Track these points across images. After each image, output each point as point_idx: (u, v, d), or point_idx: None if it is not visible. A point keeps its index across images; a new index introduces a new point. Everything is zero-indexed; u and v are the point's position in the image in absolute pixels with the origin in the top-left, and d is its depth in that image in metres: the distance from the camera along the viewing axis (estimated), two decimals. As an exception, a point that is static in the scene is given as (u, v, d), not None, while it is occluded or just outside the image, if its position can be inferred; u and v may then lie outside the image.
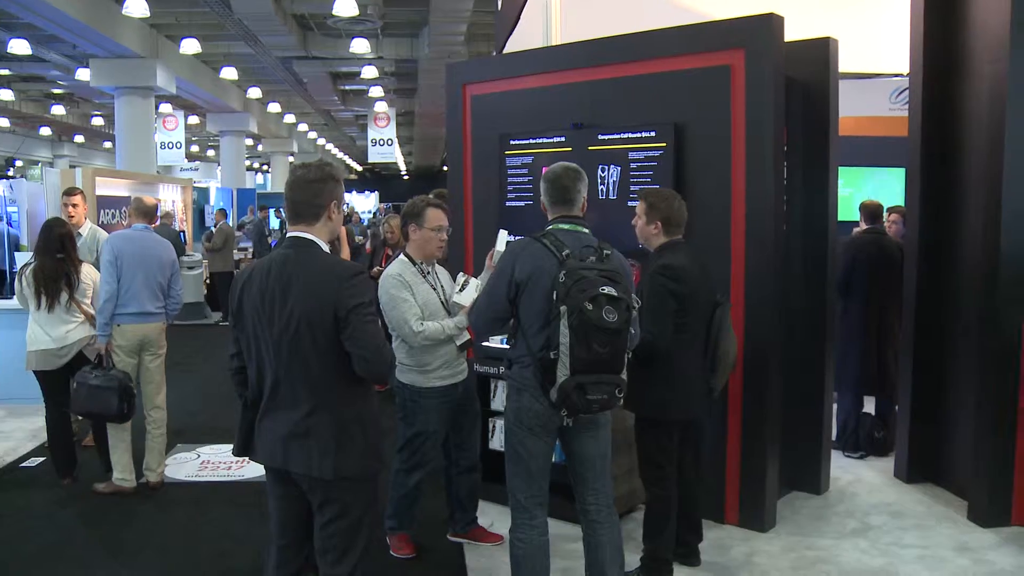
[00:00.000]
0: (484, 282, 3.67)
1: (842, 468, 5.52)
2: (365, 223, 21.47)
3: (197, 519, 4.86)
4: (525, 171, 5.24)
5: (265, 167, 40.67)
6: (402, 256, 4.11)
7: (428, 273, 4.10)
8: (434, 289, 4.06)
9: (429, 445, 4.09)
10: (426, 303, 3.98)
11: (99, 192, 11.42)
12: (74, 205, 6.39)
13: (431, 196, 4.29)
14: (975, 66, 4.92)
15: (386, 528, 4.22)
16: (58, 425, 5.34)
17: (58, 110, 26.61)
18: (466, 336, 4.02)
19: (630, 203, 4.66)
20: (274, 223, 20.17)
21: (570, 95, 5.07)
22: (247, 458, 2.93)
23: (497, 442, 4.68)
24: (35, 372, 5.32)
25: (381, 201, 39.90)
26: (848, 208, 6.91)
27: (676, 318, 3.69)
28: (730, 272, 4.44)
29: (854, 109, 7.45)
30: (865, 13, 6.76)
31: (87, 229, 6.48)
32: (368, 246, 10.61)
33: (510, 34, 8.10)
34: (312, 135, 35.16)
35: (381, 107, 24.14)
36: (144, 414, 5.28)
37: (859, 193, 7.70)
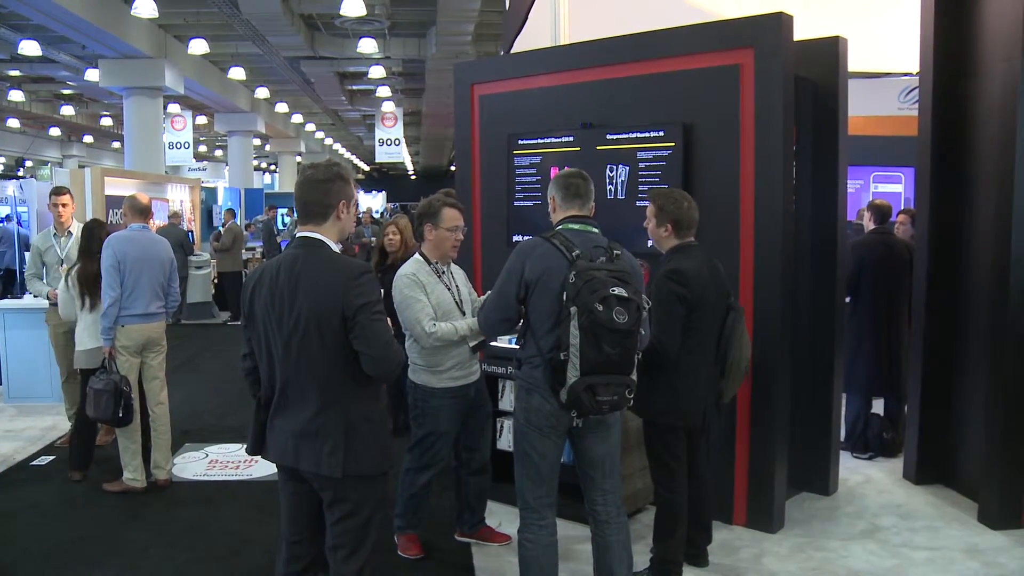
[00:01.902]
0: None
1: (851, 469, 5.50)
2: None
3: (206, 518, 4.87)
4: (533, 171, 5.24)
5: (273, 167, 40.76)
6: (417, 255, 4.11)
7: (443, 273, 4.09)
8: (448, 289, 4.06)
9: (440, 445, 4.09)
10: (440, 303, 3.97)
11: (108, 192, 11.47)
12: (63, 205, 6.35)
13: (444, 195, 4.30)
14: (987, 64, 4.89)
15: (394, 527, 4.22)
16: (85, 421, 5.35)
17: (67, 110, 26.71)
18: (480, 337, 4.01)
19: (639, 203, 4.66)
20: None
21: (578, 95, 5.06)
22: (259, 457, 2.95)
23: (505, 442, 4.68)
24: (80, 370, 5.40)
25: (388, 201, 39.93)
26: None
27: (685, 323, 3.68)
28: (739, 272, 4.42)
29: (863, 108, 7.43)
30: (874, 12, 6.74)
31: (77, 229, 6.30)
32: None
33: (518, 34, 8.10)
34: (319, 135, 35.22)
35: (388, 107, 24.17)
36: (148, 411, 5.30)
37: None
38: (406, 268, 4.04)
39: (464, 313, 4.04)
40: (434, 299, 3.95)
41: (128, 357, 5.13)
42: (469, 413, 4.16)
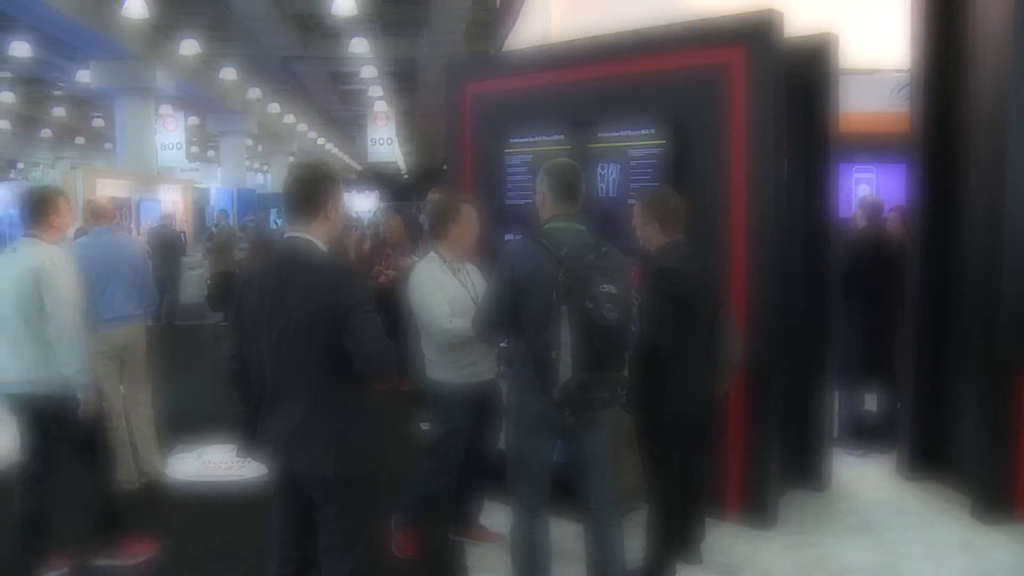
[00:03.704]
0: None
1: (844, 465, 5.50)
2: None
3: (198, 519, 4.86)
4: (524, 169, 5.22)
5: (265, 167, 40.70)
6: (432, 254, 4.12)
7: (459, 271, 4.09)
8: (464, 286, 4.05)
9: (460, 444, 4.08)
10: (456, 300, 3.98)
11: (100, 193, 11.44)
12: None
13: (456, 194, 4.31)
14: (977, 60, 4.90)
15: (398, 521, 4.21)
16: None
17: (59, 112, 26.63)
18: None
19: (629, 201, 4.65)
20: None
21: (569, 93, 5.05)
22: (250, 458, 2.94)
23: (499, 441, 4.67)
24: None
25: (381, 201, 39.89)
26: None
27: (676, 321, 3.68)
28: (730, 270, 4.43)
29: (856, 105, 7.43)
30: (867, 7, 6.75)
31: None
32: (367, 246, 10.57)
33: (509, 32, 8.09)
34: (312, 135, 35.19)
35: (380, 106, 24.18)
36: (132, 413, 5.27)
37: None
38: (422, 267, 4.06)
39: None
40: (450, 296, 3.96)
41: (105, 362, 5.03)
42: (484, 412, 4.16)
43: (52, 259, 3.95)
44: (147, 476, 5.27)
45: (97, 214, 5.24)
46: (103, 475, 4.24)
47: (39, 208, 4.05)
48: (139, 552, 4.30)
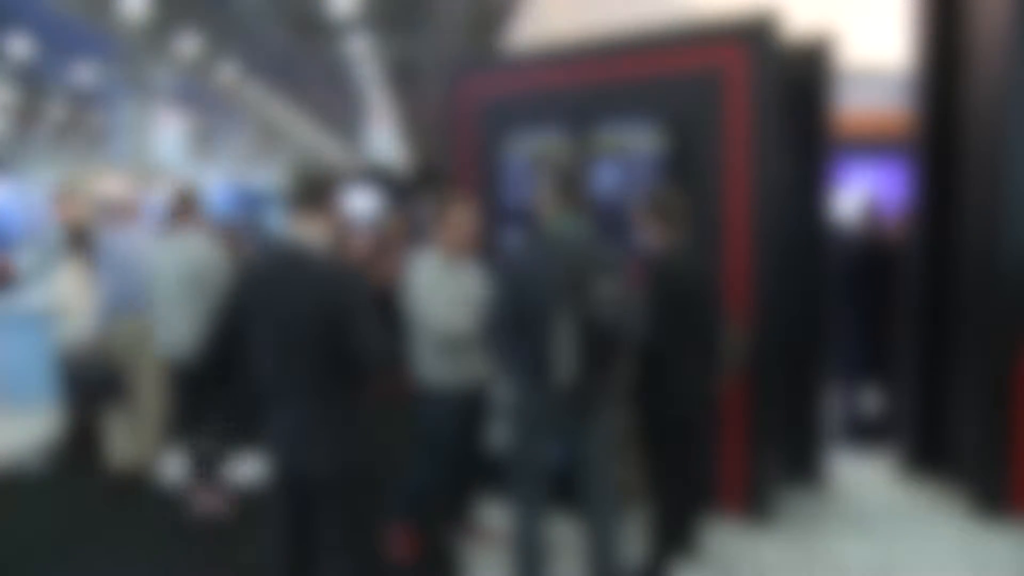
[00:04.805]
0: None
1: (842, 463, 5.52)
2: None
3: (196, 518, 4.86)
4: (524, 169, 5.23)
5: (265, 167, 40.73)
6: (431, 252, 4.12)
7: (457, 269, 4.09)
8: (462, 285, 4.06)
9: (453, 443, 4.08)
10: (454, 299, 3.97)
11: (98, 191, 11.43)
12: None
13: (454, 192, 4.32)
14: (977, 59, 4.92)
15: (397, 520, 4.22)
16: None
17: (56, 109, 26.62)
18: None
19: (628, 202, 4.67)
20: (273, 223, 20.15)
21: (569, 93, 5.06)
22: (248, 457, 2.95)
23: (497, 439, 4.68)
24: None
25: (380, 201, 39.92)
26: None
27: (675, 319, 3.69)
28: (729, 269, 4.44)
29: (856, 103, 7.45)
30: (867, 6, 6.77)
31: None
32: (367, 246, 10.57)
33: (509, 32, 8.10)
34: (311, 134, 35.20)
35: (380, 105, 24.17)
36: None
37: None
38: (420, 265, 4.06)
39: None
40: (448, 295, 3.96)
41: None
42: (479, 411, 4.17)
43: (211, 245, 4.58)
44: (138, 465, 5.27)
45: (114, 210, 5.35)
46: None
47: (185, 204, 4.73)
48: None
